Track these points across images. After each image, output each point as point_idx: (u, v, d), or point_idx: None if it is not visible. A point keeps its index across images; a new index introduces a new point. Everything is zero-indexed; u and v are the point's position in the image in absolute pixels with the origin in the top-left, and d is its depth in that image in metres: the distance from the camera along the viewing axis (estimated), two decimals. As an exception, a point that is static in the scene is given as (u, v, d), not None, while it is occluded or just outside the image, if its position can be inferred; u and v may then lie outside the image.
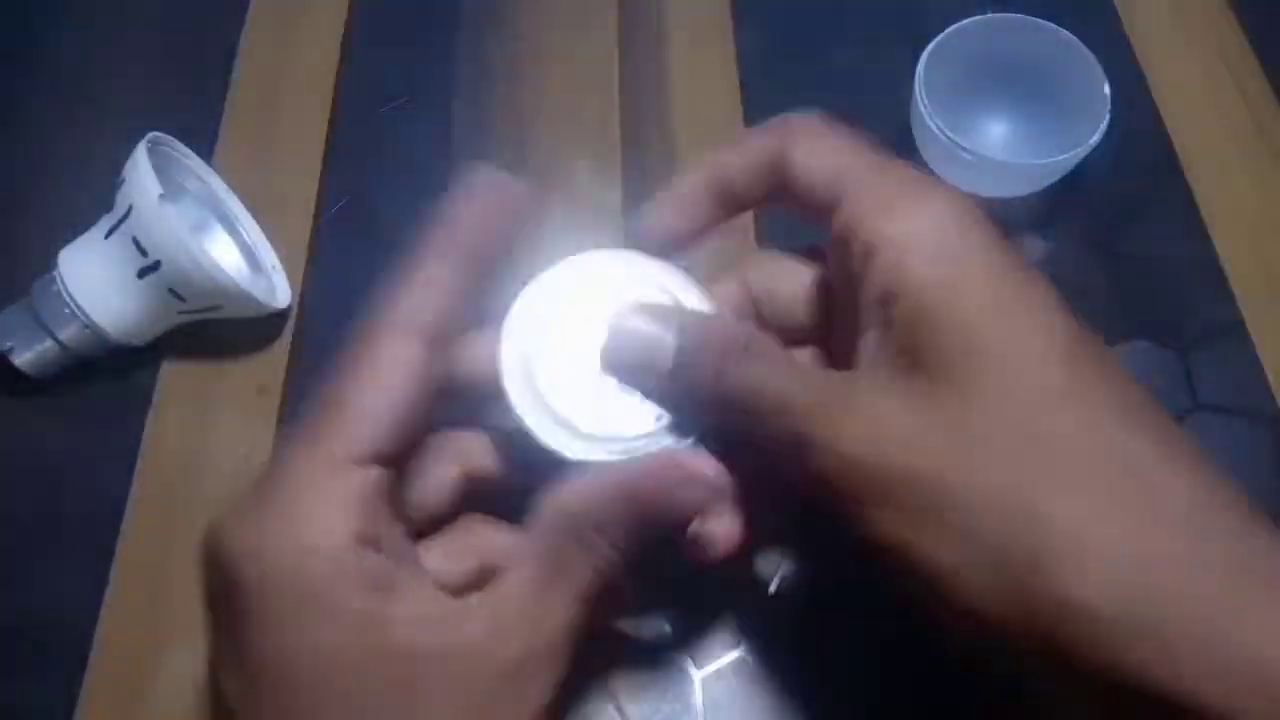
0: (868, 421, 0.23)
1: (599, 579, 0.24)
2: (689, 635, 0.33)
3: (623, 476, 0.25)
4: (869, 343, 0.24)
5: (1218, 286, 0.40)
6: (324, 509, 0.22)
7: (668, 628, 0.33)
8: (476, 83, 0.46)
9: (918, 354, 0.23)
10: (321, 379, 0.25)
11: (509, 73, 0.46)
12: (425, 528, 0.27)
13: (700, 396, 0.25)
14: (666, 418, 0.27)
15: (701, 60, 0.46)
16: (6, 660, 0.33)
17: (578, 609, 0.24)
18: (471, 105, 0.45)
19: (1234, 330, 0.39)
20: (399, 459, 0.25)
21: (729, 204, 0.27)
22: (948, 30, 0.40)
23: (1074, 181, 0.40)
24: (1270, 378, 0.38)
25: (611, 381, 0.27)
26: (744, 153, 0.26)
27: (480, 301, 0.26)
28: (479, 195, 0.26)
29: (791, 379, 0.24)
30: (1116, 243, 0.41)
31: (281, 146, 0.44)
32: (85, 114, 0.44)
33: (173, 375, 0.38)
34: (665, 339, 0.25)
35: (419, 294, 0.25)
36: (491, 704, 0.23)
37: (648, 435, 0.26)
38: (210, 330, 0.38)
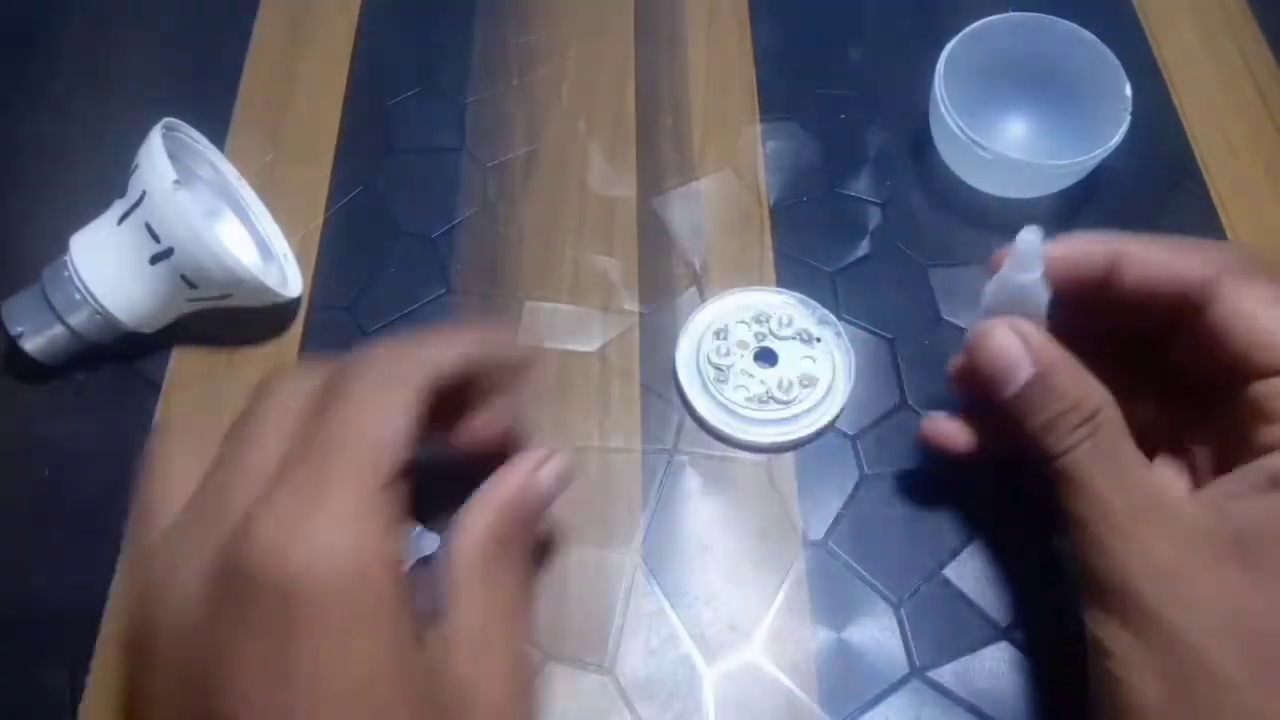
0: (1179, 578, 0.23)
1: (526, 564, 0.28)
2: (700, 633, 0.33)
3: (490, 494, 0.27)
4: (1230, 481, 0.24)
5: (1236, 291, 0.39)
6: (369, 530, 0.23)
7: (679, 625, 0.33)
8: (491, 73, 0.45)
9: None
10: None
11: (523, 63, 0.46)
12: None
13: (1019, 428, 0.27)
14: None
15: (719, 55, 0.46)
16: (13, 648, 0.33)
17: (522, 587, 0.28)
18: (485, 96, 0.45)
19: (1252, 335, 0.38)
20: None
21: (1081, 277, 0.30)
22: (968, 28, 0.40)
23: (1093, 183, 0.40)
24: (1288, 384, 0.37)
25: None
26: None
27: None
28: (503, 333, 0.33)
29: (1117, 490, 0.25)
30: (1134, 245, 0.40)
31: (294, 134, 0.43)
32: (98, 98, 0.44)
33: (182, 363, 0.38)
34: (1021, 365, 0.27)
35: (430, 355, 0.26)
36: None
37: None
38: (221, 319, 0.37)
